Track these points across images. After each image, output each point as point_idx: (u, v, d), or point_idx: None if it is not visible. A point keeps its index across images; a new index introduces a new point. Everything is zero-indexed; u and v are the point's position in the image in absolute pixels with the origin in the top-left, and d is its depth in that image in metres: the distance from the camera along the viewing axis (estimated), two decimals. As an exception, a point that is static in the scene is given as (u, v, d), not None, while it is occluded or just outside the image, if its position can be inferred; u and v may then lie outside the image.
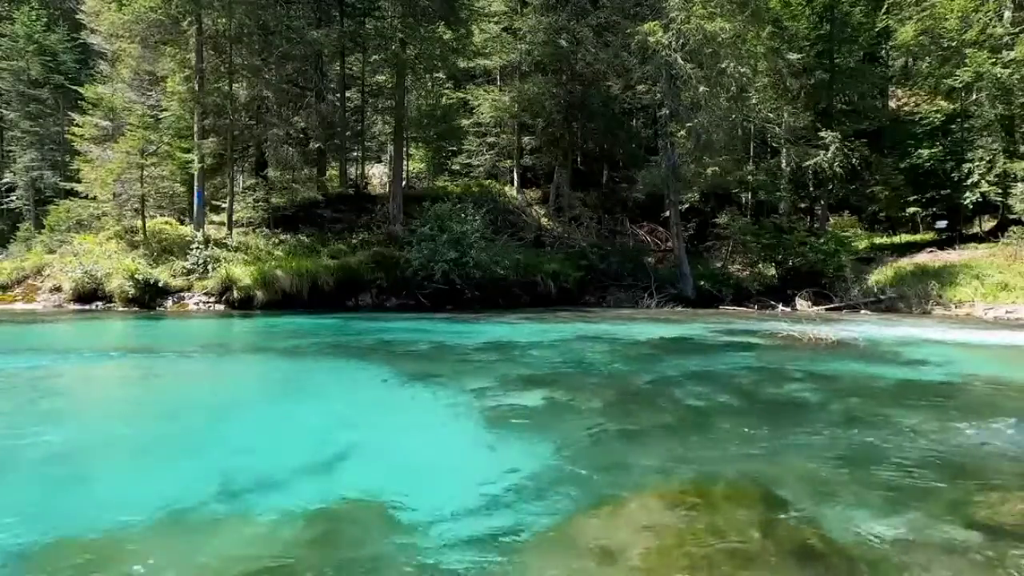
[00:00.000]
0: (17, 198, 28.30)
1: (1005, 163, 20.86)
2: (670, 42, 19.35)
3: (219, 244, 19.08)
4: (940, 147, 22.78)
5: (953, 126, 22.93)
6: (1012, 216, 20.80)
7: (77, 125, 21.76)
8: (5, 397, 7.06)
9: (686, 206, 22.64)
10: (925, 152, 22.75)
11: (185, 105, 19.66)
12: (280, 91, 21.32)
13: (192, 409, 6.70)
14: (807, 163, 21.61)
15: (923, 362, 9.46)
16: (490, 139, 26.84)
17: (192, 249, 18.24)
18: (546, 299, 20.12)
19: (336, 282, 18.14)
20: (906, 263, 20.64)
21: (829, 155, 21.12)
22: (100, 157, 20.24)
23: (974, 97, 22.08)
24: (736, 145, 23.81)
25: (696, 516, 3.75)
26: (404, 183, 23.92)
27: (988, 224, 23.44)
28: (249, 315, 16.25)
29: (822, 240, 21.48)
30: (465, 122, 26.53)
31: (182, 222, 21.34)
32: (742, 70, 19.40)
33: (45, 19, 29.32)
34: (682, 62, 19.37)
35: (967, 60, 20.54)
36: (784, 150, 23.03)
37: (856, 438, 5.33)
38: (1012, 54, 19.76)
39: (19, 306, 17.61)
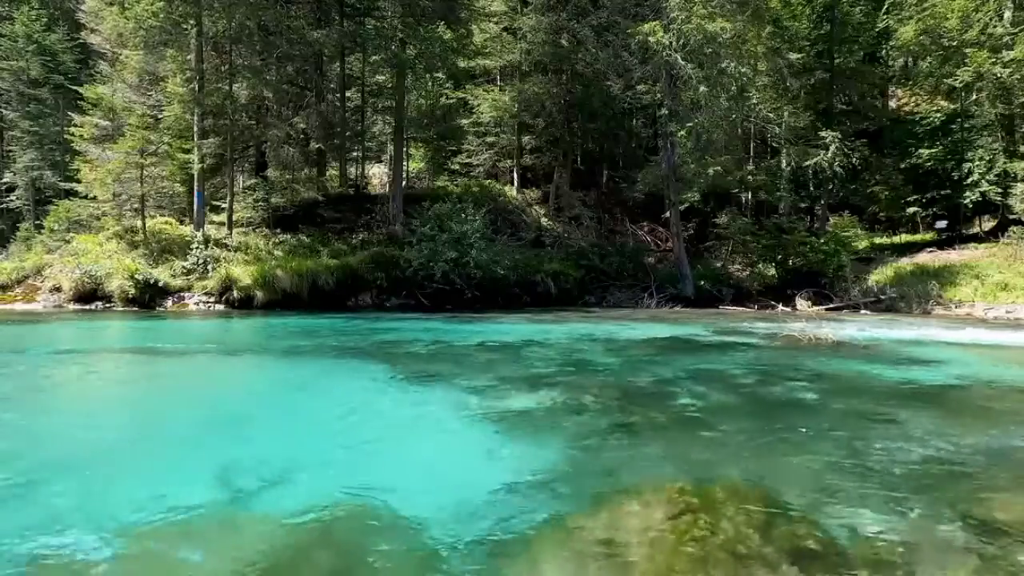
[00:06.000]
0: (17, 198, 28.26)
1: (1005, 163, 20.86)
2: (670, 42, 19.35)
3: (219, 244, 19.08)
4: (940, 147, 22.78)
5: (953, 126, 22.93)
6: (1012, 216, 20.80)
7: (77, 125, 21.75)
8: (3, 396, 7.06)
9: (686, 206, 22.65)
10: (925, 152, 22.75)
11: (185, 106, 19.66)
12: (280, 91, 21.33)
13: (191, 409, 6.69)
14: (807, 163, 21.62)
15: (923, 362, 9.46)
16: (490, 139, 26.81)
17: (192, 249, 18.23)
18: (546, 299, 20.12)
19: (336, 282, 18.14)
20: (906, 263, 20.65)
21: (829, 155, 21.13)
22: (100, 157, 20.23)
23: (974, 97, 22.09)
24: (736, 145, 23.82)
25: (696, 516, 3.75)
26: (404, 183, 23.91)
27: (988, 224, 23.44)
28: (249, 315, 16.24)
29: (822, 240, 21.48)
30: (465, 122, 26.50)
31: (182, 222, 21.34)
32: (742, 70, 19.40)
33: (45, 19, 29.27)
34: (682, 62, 19.36)
35: (967, 60, 20.53)
36: (784, 150, 23.04)
37: (856, 438, 5.32)
38: (1012, 54, 19.75)
39: (19, 306, 17.60)
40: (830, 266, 20.57)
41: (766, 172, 24.45)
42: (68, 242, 19.74)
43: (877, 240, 25.18)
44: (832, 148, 21.13)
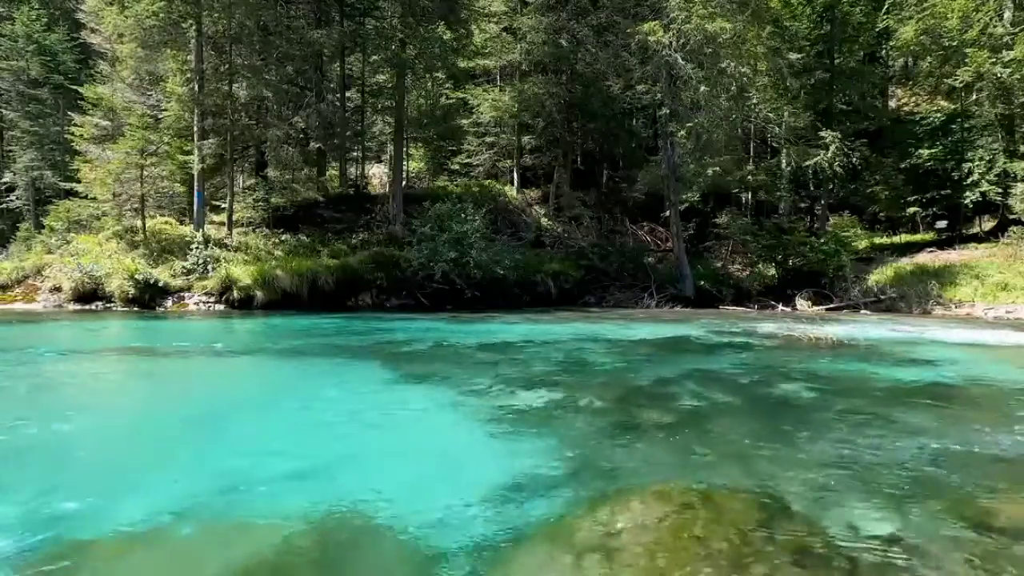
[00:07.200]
0: (17, 198, 28.25)
1: (1005, 163, 20.86)
2: (670, 42, 19.35)
3: (219, 244, 19.08)
4: (940, 147, 22.78)
5: (953, 126, 22.94)
6: (1012, 216, 20.80)
7: (77, 125, 21.75)
8: (2, 396, 7.06)
9: (686, 206, 22.66)
10: (925, 152, 22.75)
11: (185, 105, 19.67)
12: (280, 91, 21.31)
13: (190, 409, 6.69)
14: (807, 163, 21.61)
15: (923, 362, 9.46)
16: (490, 139, 26.82)
17: (192, 249, 18.23)
18: (546, 299, 20.12)
19: (336, 282, 18.14)
20: (906, 263, 20.65)
21: (829, 155, 21.12)
22: (100, 157, 20.24)
23: (974, 97, 22.08)
24: (736, 145, 23.80)
25: (696, 516, 3.75)
26: (404, 183, 23.91)
27: (988, 224, 23.44)
28: (249, 315, 16.25)
29: (822, 240, 21.48)
30: (465, 122, 26.51)
31: (182, 222, 21.34)
32: (742, 70, 19.38)
33: (45, 19, 29.28)
34: (682, 62, 19.37)
35: (967, 60, 20.52)
36: (784, 150, 23.03)
37: (856, 438, 5.32)
38: (1012, 54, 19.75)
39: (19, 306, 17.61)
40: (830, 266, 20.56)
41: (766, 172, 24.45)
42: (68, 242, 19.74)
43: (877, 240, 25.17)
44: (832, 148, 21.12)
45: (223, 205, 21.01)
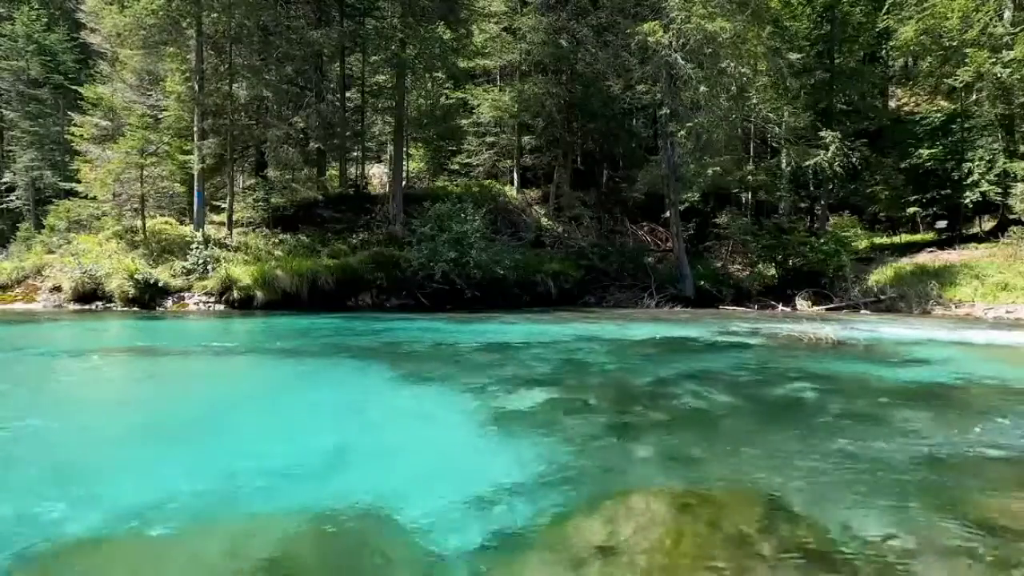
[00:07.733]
0: (17, 198, 28.27)
1: (1005, 163, 20.87)
2: (670, 42, 19.35)
3: (219, 244, 19.08)
4: (940, 147, 22.79)
5: (953, 126, 22.95)
6: (1012, 216, 20.81)
7: (77, 125, 21.76)
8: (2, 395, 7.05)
9: (686, 206, 22.65)
10: (925, 152, 22.75)
11: (185, 105, 19.67)
12: (280, 91, 21.32)
13: (189, 409, 6.69)
14: (807, 163, 21.61)
15: (923, 362, 9.46)
16: (490, 139, 26.83)
17: (192, 249, 18.23)
18: (546, 299, 20.12)
19: (336, 282, 18.14)
20: (906, 263, 20.65)
21: (829, 155, 21.12)
22: (100, 157, 20.24)
23: (974, 97, 22.08)
24: (736, 145, 23.79)
25: (696, 516, 3.75)
26: (404, 183, 23.92)
27: (988, 224, 23.44)
28: (249, 315, 16.24)
29: (822, 240, 21.48)
30: (465, 122, 26.52)
31: (182, 222, 21.34)
32: (742, 70, 19.38)
33: (45, 19, 29.31)
34: (682, 62, 19.37)
35: (967, 60, 20.53)
36: (784, 150, 23.03)
37: (856, 438, 5.32)
38: (1012, 54, 19.74)
39: (19, 306, 17.60)
40: (830, 266, 20.56)
41: (766, 172, 24.45)
42: (68, 242, 19.75)
43: (877, 240, 25.18)
44: (832, 148, 21.12)
45: (223, 205, 21.02)
